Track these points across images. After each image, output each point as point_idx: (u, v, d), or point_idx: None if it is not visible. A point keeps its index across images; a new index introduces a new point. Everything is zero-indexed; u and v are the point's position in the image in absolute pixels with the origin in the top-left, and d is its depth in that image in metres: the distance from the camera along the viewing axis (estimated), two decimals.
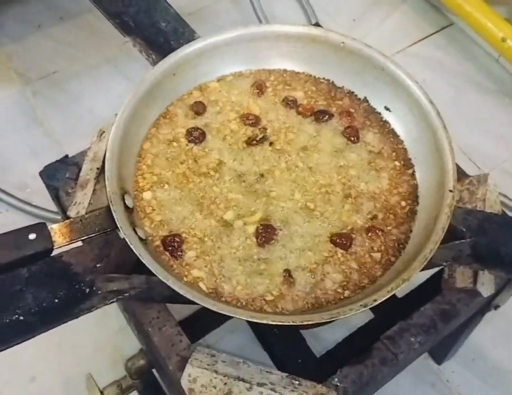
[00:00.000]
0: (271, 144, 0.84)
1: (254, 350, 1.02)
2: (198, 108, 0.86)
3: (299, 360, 0.92)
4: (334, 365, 0.80)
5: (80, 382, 1.01)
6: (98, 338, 1.29)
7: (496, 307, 0.99)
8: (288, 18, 1.76)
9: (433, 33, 1.80)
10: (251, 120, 0.86)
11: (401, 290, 0.97)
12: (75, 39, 1.72)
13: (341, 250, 0.77)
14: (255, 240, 0.76)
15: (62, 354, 1.26)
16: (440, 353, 1.26)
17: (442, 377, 1.28)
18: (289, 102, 0.88)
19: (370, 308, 0.98)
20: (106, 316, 1.28)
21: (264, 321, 0.69)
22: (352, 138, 0.85)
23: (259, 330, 0.99)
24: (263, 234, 0.76)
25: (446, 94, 1.67)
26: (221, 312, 0.68)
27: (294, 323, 0.68)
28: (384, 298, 0.70)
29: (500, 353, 1.30)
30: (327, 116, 0.87)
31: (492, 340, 1.31)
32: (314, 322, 0.69)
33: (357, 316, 0.99)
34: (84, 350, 1.28)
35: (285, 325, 0.69)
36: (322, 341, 1.18)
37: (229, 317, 0.79)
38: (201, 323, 1.07)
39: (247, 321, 0.84)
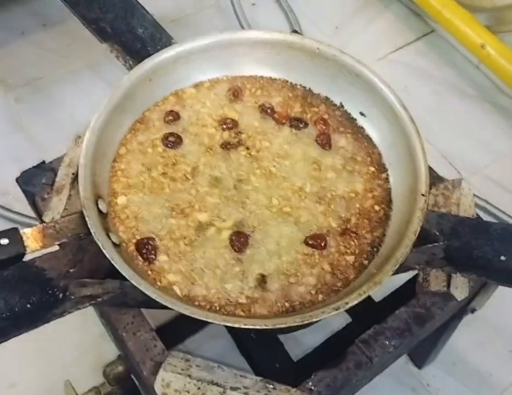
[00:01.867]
0: (247, 148, 0.85)
1: (235, 356, 1.02)
2: (173, 117, 0.87)
3: (276, 365, 0.93)
4: (311, 369, 0.81)
5: (61, 389, 1.01)
6: (80, 344, 1.29)
7: (473, 311, 0.99)
8: (271, 26, 1.76)
9: (415, 40, 1.82)
10: (229, 124, 0.86)
11: (379, 293, 0.99)
12: (58, 46, 1.72)
13: (316, 252, 0.77)
14: (229, 244, 0.77)
15: (42, 361, 1.26)
16: (420, 357, 1.26)
17: (423, 381, 1.28)
18: (266, 109, 0.88)
19: (348, 312, 1.00)
20: (87, 321, 1.27)
21: (236, 325, 0.69)
22: (325, 145, 0.86)
23: (236, 335, 0.99)
24: (237, 241, 0.76)
25: (427, 100, 1.68)
26: (193, 316, 0.69)
27: (267, 327, 0.68)
28: (356, 301, 0.70)
29: (480, 356, 1.31)
30: (302, 124, 0.87)
31: (473, 344, 1.32)
32: (287, 325, 0.69)
33: (335, 320, 1.01)
34: (65, 356, 1.27)
35: (258, 329, 0.69)
36: (302, 345, 1.18)
37: (207, 323, 0.80)
38: (180, 329, 1.07)
39: (225, 326, 0.85)
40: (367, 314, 0.90)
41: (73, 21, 1.71)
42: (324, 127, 0.87)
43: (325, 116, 0.89)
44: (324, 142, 0.86)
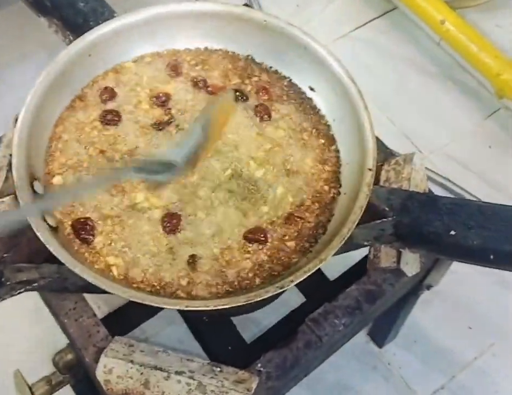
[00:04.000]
0: (177, 126, 0.81)
1: (193, 342, 0.99)
2: (108, 94, 0.83)
3: (229, 347, 0.91)
4: (263, 350, 0.79)
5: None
6: (33, 334, 1.25)
7: (429, 287, 0.99)
8: (230, 2, 1.72)
9: (377, 18, 1.79)
10: (161, 99, 0.83)
11: (333, 272, 0.98)
12: (10, 27, 1.66)
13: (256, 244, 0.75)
14: (161, 226, 0.74)
15: None
16: (380, 336, 1.26)
17: (383, 360, 1.28)
18: (197, 82, 0.85)
19: (302, 291, 0.99)
20: (41, 311, 1.24)
21: (177, 307, 0.67)
22: (263, 116, 0.83)
23: (189, 320, 0.97)
24: (169, 222, 0.74)
25: (389, 78, 1.67)
26: (130, 299, 0.66)
27: (208, 308, 0.66)
28: (301, 279, 0.68)
29: (441, 334, 1.31)
30: (242, 96, 0.84)
31: (434, 322, 1.32)
32: (230, 306, 0.67)
33: (292, 299, 0.99)
34: (18, 346, 1.24)
35: (201, 310, 0.67)
36: (260, 326, 1.17)
37: (156, 307, 0.77)
38: (134, 315, 1.04)
39: (177, 311, 0.82)
40: (321, 293, 0.88)
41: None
42: (266, 96, 0.84)
43: (267, 86, 0.86)
44: (262, 114, 0.83)
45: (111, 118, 0.80)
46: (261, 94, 0.85)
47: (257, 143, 0.81)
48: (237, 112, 0.82)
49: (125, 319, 1.02)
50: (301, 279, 0.68)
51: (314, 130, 0.84)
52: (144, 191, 0.75)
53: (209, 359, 0.88)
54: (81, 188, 0.75)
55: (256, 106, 0.83)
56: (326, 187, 0.80)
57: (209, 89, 0.85)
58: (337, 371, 1.25)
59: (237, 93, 0.84)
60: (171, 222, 0.74)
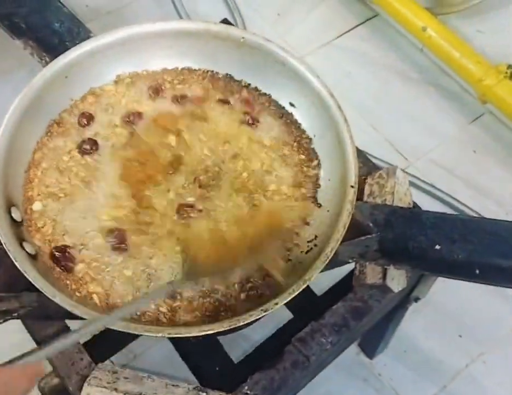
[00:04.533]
0: None
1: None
2: (86, 119, 0.82)
3: (216, 368, 0.89)
4: (251, 369, 0.78)
5: None
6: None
7: (417, 299, 0.98)
8: (211, 14, 1.72)
9: (358, 25, 1.79)
10: (130, 118, 0.82)
11: (321, 287, 0.97)
12: None
13: None
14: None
15: None
16: (371, 347, 1.25)
17: (374, 371, 1.27)
18: (177, 98, 0.84)
19: (289, 308, 0.97)
20: (24, 333, 1.22)
21: (160, 335, 0.66)
22: (251, 122, 0.84)
23: (174, 340, 0.95)
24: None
25: (372, 86, 1.67)
26: (113, 328, 0.65)
27: (190, 335, 0.65)
28: (285, 301, 0.67)
29: (431, 343, 1.30)
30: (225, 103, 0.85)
31: (424, 331, 1.31)
32: (213, 331, 0.66)
33: (278, 313, 0.98)
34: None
35: (183, 337, 0.66)
36: (247, 340, 1.16)
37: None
38: (119, 336, 1.02)
39: None
40: (308, 308, 0.87)
41: None
42: (249, 109, 0.84)
43: (250, 99, 0.85)
44: (251, 123, 0.83)
45: (88, 148, 0.79)
46: (245, 106, 0.85)
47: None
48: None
49: (111, 340, 1.01)
50: (286, 301, 0.67)
51: (295, 144, 0.83)
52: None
53: (196, 379, 0.88)
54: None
55: (244, 113, 0.84)
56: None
57: (190, 102, 0.84)
58: (328, 383, 1.23)
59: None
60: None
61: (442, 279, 0.94)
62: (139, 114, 0.82)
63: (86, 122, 0.81)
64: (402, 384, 1.25)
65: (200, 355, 0.90)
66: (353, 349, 1.28)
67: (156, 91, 0.85)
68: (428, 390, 1.25)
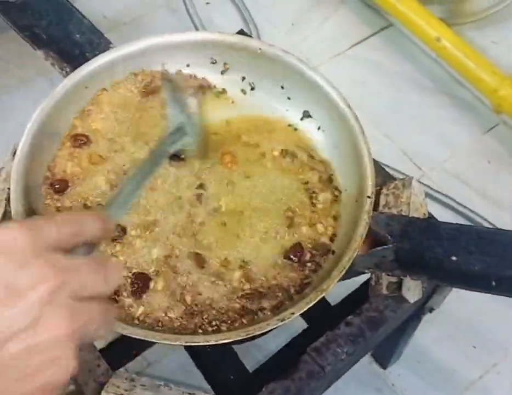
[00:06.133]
0: None
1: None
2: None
3: (231, 377, 0.90)
4: (265, 378, 0.78)
5: None
6: None
7: (431, 310, 0.98)
8: (226, 24, 1.73)
9: (372, 35, 1.80)
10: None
11: (335, 297, 0.97)
12: (8, 54, 1.67)
13: None
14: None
15: None
16: (384, 357, 1.25)
17: (388, 382, 1.27)
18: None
19: (304, 317, 0.98)
20: None
21: (178, 343, 0.67)
22: None
23: (190, 348, 0.96)
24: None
25: (386, 95, 1.67)
26: (132, 336, 0.65)
27: (208, 343, 0.66)
28: (302, 311, 0.68)
29: (445, 353, 1.30)
30: None
31: (437, 341, 1.31)
32: (231, 340, 0.67)
33: (293, 324, 0.98)
34: None
35: (200, 345, 0.67)
36: (262, 350, 1.16)
37: None
38: (134, 343, 1.03)
39: None
40: (323, 319, 0.88)
41: None
42: None
43: None
44: None
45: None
46: None
47: None
48: None
49: (127, 348, 1.01)
50: (303, 310, 0.68)
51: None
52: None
53: (212, 389, 0.88)
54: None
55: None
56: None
57: None
58: (341, 393, 1.23)
59: None
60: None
61: (455, 289, 0.95)
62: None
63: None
64: (415, 394, 1.25)
65: (215, 364, 0.91)
66: (367, 358, 1.27)
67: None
68: None
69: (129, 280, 0.72)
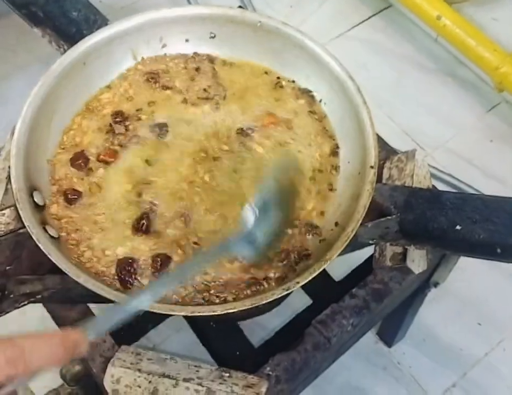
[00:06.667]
0: None
1: (201, 348, 0.98)
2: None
3: (237, 352, 0.89)
4: (271, 353, 0.78)
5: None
6: None
7: (436, 285, 0.97)
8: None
9: (372, 16, 1.79)
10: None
11: (339, 272, 0.97)
12: (5, 40, 1.67)
13: None
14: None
15: None
16: (389, 336, 1.25)
17: (393, 360, 1.26)
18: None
19: (308, 293, 0.97)
20: (46, 321, 1.23)
21: (183, 313, 0.67)
22: None
23: (195, 325, 0.96)
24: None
25: (388, 76, 1.66)
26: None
27: (214, 313, 0.65)
28: (307, 280, 0.67)
29: (450, 331, 1.29)
30: None
31: (443, 319, 1.30)
32: (236, 309, 0.66)
33: (297, 302, 0.98)
34: None
35: (208, 315, 0.67)
36: (266, 329, 1.16)
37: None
38: (139, 323, 1.03)
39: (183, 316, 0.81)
40: (327, 294, 0.87)
41: None
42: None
43: None
44: None
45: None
46: None
47: None
48: None
49: (132, 328, 1.01)
50: (307, 280, 0.67)
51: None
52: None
53: (217, 365, 0.88)
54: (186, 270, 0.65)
55: None
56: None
57: None
58: (347, 372, 1.23)
59: None
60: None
61: (460, 267, 0.94)
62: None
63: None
64: (421, 372, 1.25)
65: (220, 340, 0.91)
66: (372, 337, 1.27)
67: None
68: (448, 378, 1.24)
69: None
